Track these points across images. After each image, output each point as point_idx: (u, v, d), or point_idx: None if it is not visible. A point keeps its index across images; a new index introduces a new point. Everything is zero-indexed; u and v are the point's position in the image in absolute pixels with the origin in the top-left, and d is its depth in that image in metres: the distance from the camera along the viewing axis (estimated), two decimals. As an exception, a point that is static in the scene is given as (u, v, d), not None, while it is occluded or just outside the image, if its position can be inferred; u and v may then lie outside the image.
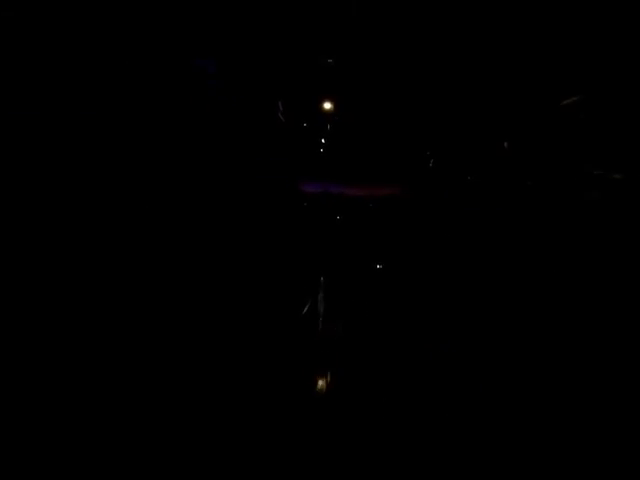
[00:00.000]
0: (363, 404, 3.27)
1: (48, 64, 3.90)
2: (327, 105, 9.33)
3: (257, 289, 6.78)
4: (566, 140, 7.26)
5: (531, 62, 8.36)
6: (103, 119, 4.51)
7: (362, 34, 8.68)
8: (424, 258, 12.06)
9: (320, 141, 13.76)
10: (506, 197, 8.96)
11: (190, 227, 6.06)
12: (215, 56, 6.90)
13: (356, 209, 19.30)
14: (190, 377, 3.49)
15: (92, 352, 3.56)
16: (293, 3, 6.93)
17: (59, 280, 3.86)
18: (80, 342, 3.60)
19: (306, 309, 6.52)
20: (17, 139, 3.56)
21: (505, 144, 11.01)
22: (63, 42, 4.02)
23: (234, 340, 4.51)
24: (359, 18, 8.16)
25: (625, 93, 6.13)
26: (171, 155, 5.81)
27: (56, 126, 3.85)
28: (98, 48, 4.48)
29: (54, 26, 3.92)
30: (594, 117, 6.75)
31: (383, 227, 16.86)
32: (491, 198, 9.87)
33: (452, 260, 10.46)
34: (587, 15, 6.88)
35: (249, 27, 6.93)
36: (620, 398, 3.16)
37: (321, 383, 3.60)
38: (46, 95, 3.86)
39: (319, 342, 5.05)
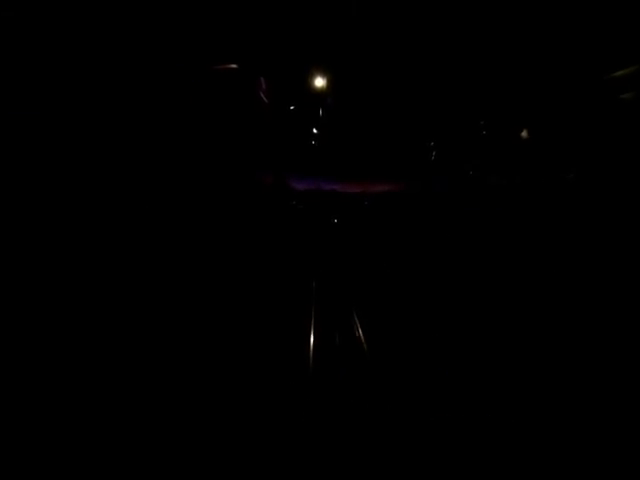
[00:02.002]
0: (361, 405, 3.29)
1: (48, 64, 3.94)
2: (318, 84, 7.78)
3: (247, 288, 6.90)
4: (619, 123, 5.87)
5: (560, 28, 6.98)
6: (96, 117, 4.58)
7: (362, 27, 7.67)
8: (423, 258, 11.03)
9: (311, 131, 12.20)
10: (531, 193, 7.59)
11: (176, 226, 6.15)
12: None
13: (350, 207, 17.94)
14: (178, 374, 3.57)
15: (86, 351, 3.69)
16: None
17: (56, 279, 3.93)
18: (76, 342, 3.73)
19: (299, 309, 6.66)
20: (17, 139, 3.66)
21: (524, 132, 9.69)
22: (63, 42, 4.09)
23: (224, 336, 4.72)
24: (359, 17, 7.45)
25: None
26: (156, 153, 5.91)
27: (56, 126, 4.01)
28: (94, 48, 4.54)
29: (54, 26, 3.99)
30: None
31: (379, 226, 15.66)
32: (509, 194, 8.55)
33: (457, 261, 9.34)
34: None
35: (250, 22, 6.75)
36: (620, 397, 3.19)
37: (315, 385, 3.68)
38: (46, 95, 3.91)
39: (313, 343, 5.15)
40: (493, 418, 3.06)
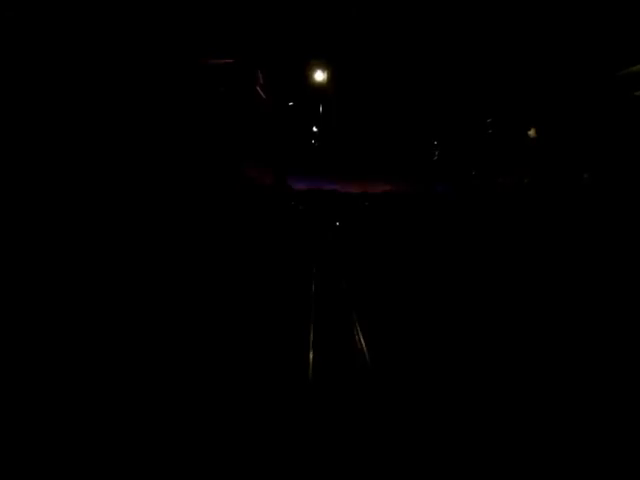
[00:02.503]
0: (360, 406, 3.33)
1: (48, 64, 4.05)
2: (319, 77, 7.42)
3: (246, 290, 6.62)
4: (634, 120, 5.54)
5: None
6: (94, 114, 4.72)
7: (364, 24, 7.38)
8: (425, 261, 10.64)
9: (311, 129, 11.89)
10: (541, 195, 7.24)
11: (170, 225, 6.17)
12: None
13: (350, 207, 17.67)
14: (174, 378, 3.52)
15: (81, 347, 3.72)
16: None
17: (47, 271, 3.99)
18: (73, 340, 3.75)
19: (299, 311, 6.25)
20: (17, 139, 3.77)
21: (532, 131, 9.37)
22: (62, 43, 4.22)
23: (221, 338, 4.60)
24: (359, 18, 7.19)
25: None
26: (152, 149, 5.97)
27: (55, 126, 4.13)
28: (93, 43, 4.66)
29: (54, 26, 4.11)
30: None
31: (380, 227, 15.34)
32: (517, 195, 8.21)
33: (460, 264, 9.00)
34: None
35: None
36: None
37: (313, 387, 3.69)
38: (46, 95, 4.02)
39: (312, 348, 4.90)
40: (495, 424, 2.99)
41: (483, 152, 11.00)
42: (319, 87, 7.97)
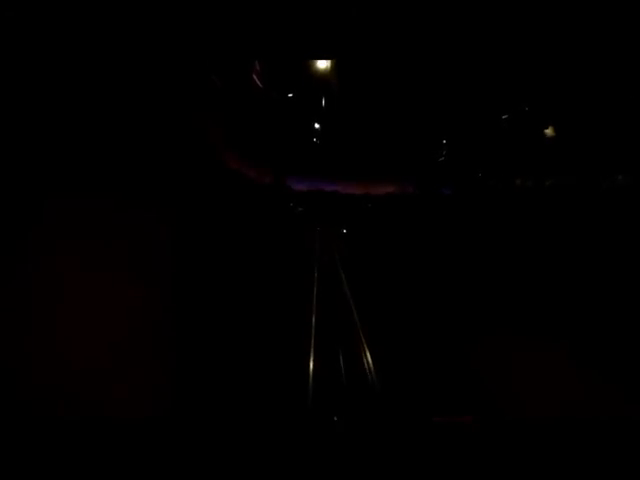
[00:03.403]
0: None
1: (48, 64, 3.98)
2: (321, 66, 6.86)
3: (244, 297, 6.79)
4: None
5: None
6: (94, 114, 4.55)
7: (367, 18, 6.81)
8: (431, 266, 10.31)
9: (312, 126, 11.31)
10: (565, 199, 6.63)
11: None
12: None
13: (352, 210, 17.26)
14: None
15: None
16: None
17: None
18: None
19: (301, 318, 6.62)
20: (18, 139, 3.65)
21: (549, 129, 8.81)
22: (62, 42, 4.13)
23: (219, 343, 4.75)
24: (359, 17, 6.73)
25: None
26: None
27: (55, 126, 4.00)
28: (91, 44, 4.50)
29: (54, 26, 4.03)
30: None
31: (383, 231, 14.89)
32: (537, 199, 7.63)
33: (467, 270, 8.55)
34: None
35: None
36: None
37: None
38: (47, 95, 3.97)
39: (313, 361, 4.93)
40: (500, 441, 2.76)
41: (497, 152, 10.42)
42: (321, 78, 7.40)
